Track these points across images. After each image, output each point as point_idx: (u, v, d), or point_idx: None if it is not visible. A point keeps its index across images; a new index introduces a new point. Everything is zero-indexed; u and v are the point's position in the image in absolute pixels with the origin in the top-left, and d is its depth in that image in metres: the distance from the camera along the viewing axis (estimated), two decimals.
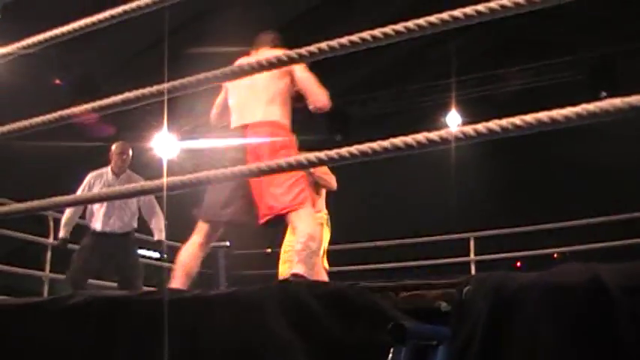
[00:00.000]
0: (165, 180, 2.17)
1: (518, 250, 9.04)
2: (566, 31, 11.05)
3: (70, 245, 6.87)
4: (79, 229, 6.95)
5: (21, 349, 2.60)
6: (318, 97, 4.47)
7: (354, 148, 1.94)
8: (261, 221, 4.30)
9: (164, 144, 9.89)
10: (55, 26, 2.41)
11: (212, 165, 4.22)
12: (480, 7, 1.73)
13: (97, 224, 6.69)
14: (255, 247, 8.75)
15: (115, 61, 9.61)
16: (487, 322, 1.88)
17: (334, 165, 4.95)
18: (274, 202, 4.20)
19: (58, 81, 9.27)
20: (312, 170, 5.50)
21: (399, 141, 1.89)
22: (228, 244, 9.02)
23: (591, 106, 1.64)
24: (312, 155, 1.91)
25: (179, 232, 8.92)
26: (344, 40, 1.91)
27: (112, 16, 2.32)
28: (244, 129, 4.37)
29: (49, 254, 7.39)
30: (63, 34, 2.43)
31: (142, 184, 2.26)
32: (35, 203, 2.44)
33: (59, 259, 7.22)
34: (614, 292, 1.77)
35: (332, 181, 6.13)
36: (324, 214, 6.09)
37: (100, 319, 2.44)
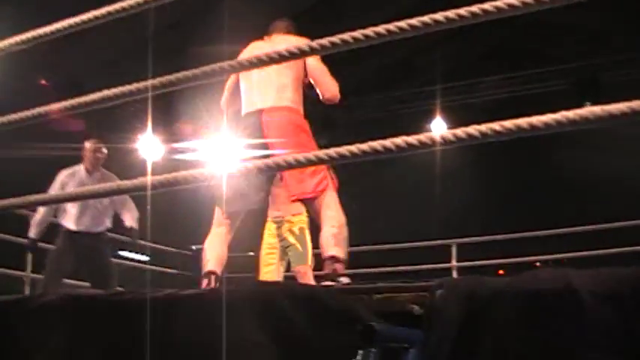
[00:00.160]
0: (149, 178, 2.16)
1: (501, 257, 9.06)
2: (552, 41, 11.11)
3: (45, 245, 6.78)
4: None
5: None
6: (329, 87, 4.45)
7: (332, 151, 1.94)
8: (292, 199, 4.34)
9: (148, 142, 9.85)
10: (40, 25, 2.40)
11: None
12: (486, 6, 1.74)
13: (69, 223, 6.58)
14: (237, 249, 8.73)
15: (101, 61, 9.57)
16: (459, 326, 1.88)
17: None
18: (302, 185, 4.17)
19: (43, 81, 9.23)
20: None
21: (377, 144, 1.89)
22: None
23: (571, 114, 1.64)
24: (300, 155, 1.91)
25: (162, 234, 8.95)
26: (357, 33, 1.91)
27: (96, 17, 2.32)
28: (259, 114, 4.29)
29: (30, 255, 7.33)
30: (47, 34, 2.42)
31: (120, 182, 2.24)
32: (10, 201, 2.42)
33: (41, 259, 7.15)
34: (586, 297, 1.78)
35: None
36: (304, 217, 6.05)
37: (73, 318, 2.43)
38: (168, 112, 9.38)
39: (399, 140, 1.86)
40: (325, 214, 4.15)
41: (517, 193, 12.36)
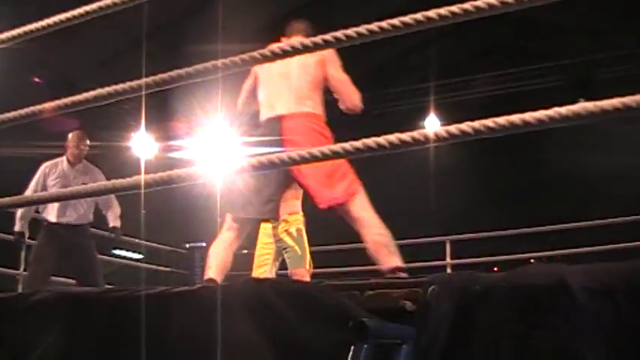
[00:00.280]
0: (142, 177, 2.16)
1: (495, 254, 9.07)
2: (547, 38, 11.13)
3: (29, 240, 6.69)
4: None
5: None
6: (351, 97, 4.37)
7: (326, 148, 1.94)
8: (324, 206, 4.18)
9: (142, 141, 9.82)
10: (32, 21, 2.40)
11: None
12: (479, 3, 1.74)
13: (51, 215, 6.46)
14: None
15: (94, 60, 9.56)
16: (452, 322, 1.88)
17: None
18: (332, 191, 4.09)
19: (37, 79, 9.21)
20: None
21: (371, 141, 1.90)
22: (204, 244, 8.99)
23: (563, 110, 1.65)
24: (293, 153, 1.92)
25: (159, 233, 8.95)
26: (351, 31, 1.91)
27: (87, 12, 2.32)
28: (280, 120, 4.22)
29: (23, 253, 7.30)
30: (39, 30, 2.42)
31: (115, 181, 2.24)
32: (6, 200, 2.42)
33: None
34: (578, 293, 1.78)
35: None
36: (300, 217, 6.01)
37: (65, 316, 2.42)
38: (163, 110, 9.37)
39: (393, 137, 1.86)
40: (363, 218, 4.07)
41: (511, 190, 12.38)
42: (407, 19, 1.87)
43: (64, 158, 6.62)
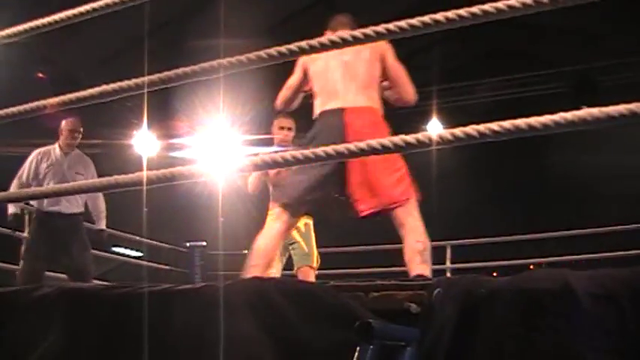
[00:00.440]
0: (145, 173, 2.16)
1: (495, 259, 9.06)
2: (550, 43, 11.13)
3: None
4: None
5: None
6: (408, 89, 4.27)
7: (331, 149, 1.94)
8: (365, 213, 3.99)
9: (144, 139, 9.81)
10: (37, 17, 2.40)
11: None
12: (487, 7, 1.74)
13: (43, 203, 6.25)
14: (231, 247, 8.72)
15: (98, 56, 9.56)
16: (456, 325, 1.88)
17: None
18: (383, 194, 3.95)
19: (41, 74, 9.20)
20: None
21: (376, 143, 1.90)
22: (204, 243, 8.99)
23: (569, 115, 1.65)
24: (298, 153, 1.92)
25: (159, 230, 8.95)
26: (358, 32, 1.91)
27: (94, 9, 2.32)
28: (341, 113, 4.05)
29: (23, 248, 7.27)
30: (44, 26, 2.42)
31: (118, 177, 2.24)
32: (6, 194, 2.42)
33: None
34: (583, 298, 1.78)
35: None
36: (308, 218, 5.93)
37: (67, 312, 2.42)
38: (166, 108, 9.37)
39: (398, 139, 1.86)
40: (409, 224, 3.95)
41: (512, 195, 12.38)
42: (414, 21, 1.87)
43: (56, 146, 6.45)
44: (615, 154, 10.12)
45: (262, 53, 2.03)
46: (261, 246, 4.04)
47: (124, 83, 2.25)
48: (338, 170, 3.96)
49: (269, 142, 6.11)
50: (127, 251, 10.30)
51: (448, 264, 8.94)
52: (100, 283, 7.25)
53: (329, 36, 2.00)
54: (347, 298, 2.10)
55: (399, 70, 4.24)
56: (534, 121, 1.69)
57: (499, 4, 1.75)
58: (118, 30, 8.28)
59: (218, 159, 7.82)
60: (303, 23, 9.41)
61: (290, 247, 5.85)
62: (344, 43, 1.97)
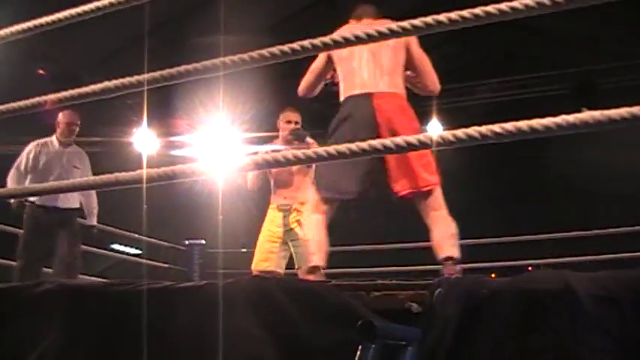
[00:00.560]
0: (145, 171, 2.16)
1: (495, 260, 9.05)
2: (552, 46, 11.13)
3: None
4: None
5: None
6: (434, 78, 4.26)
7: (332, 148, 1.94)
8: (402, 193, 3.96)
9: (144, 135, 9.78)
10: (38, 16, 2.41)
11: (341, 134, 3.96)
12: (490, 9, 1.75)
13: (36, 198, 6.09)
14: (230, 245, 8.72)
15: (99, 54, 9.56)
16: (457, 325, 1.88)
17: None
18: (417, 177, 3.93)
19: (42, 71, 9.19)
20: None
21: (377, 143, 1.90)
22: (203, 242, 8.98)
23: (571, 118, 1.66)
24: (299, 152, 1.92)
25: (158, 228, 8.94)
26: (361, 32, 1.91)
27: (98, 8, 2.32)
28: (370, 98, 4.01)
29: (19, 245, 7.22)
30: (47, 24, 2.43)
31: (119, 174, 2.24)
32: (8, 190, 2.42)
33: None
34: (584, 299, 1.79)
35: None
36: None
37: (68, 309, 2.42)
38: (166, 106, 9.36)
39: (399, 140, 1.87)
40: (438, 211, 3.97)
41: (512, 195, 12.38)
42: (417, 22, 1.87)
43: (53, 138, 6.36)
44: (617, 154, 10.12)
45: (265, 52, 2.03)
46: (313, 236, 4.05)
47: (126, 80, 2.25)
48: (376, 160, 3.93)
49: (270, 140, 6.07)
50: (126, 249, 10.29)
51: None
52: (100, 280, 7.26)
53: (334, 35, 2.01)
54: (348, 297, 2.11)
55: (423, 59, 4.23)
56: (536, 123, 1.70)
57: (502, 6, 1.75)
58: (118, 28, 8.26)
59: (218, 157, 7.81)
60: (305, 22, 9.42)
61: (291, 243, 5.76)
62: (346, 42, 1.97)
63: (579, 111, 1.78)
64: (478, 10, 1.77)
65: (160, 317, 2.23)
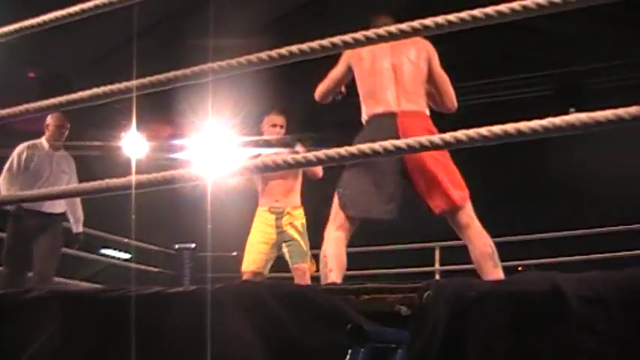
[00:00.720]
0: (134, 177, 2.17)
1: None
2: (537, 46, 11.17)
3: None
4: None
5: None
6: (452, 96, 4.26)
7: (333, 151, 1.95)
8: (439, 210, 3.94)
9: (134, 142, 9.75)
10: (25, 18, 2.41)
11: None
12: (476, 13, 1.76)
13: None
14: (221, 249, 8.71)
15: (88, 57, 9.53)
16: (446, 328, 1.89)
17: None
18: (451, 193, 3.91)
19: (32, 74, 9.14)
20: None
21: (366, 147, 1.91)
22: (193, 245, 8.97)
23: (558, 120, 1.67)
24: (299, 156, 1.93)
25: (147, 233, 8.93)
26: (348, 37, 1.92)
27: (83, 10, 2.32)
28: (393, 117, 3.97)
29: (3, 251, 7.13)
30: (33, 26, 2.43)
31: (109, 181, 2.25)
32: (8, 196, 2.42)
33: None
34: (572, 300, 1.80)
35: (319, 168, 5.65)
36: (302, 212, 5.85)
37: (59, 315, 2.41)
38: (156, 109, 9.34)
39: (387, 144, 1.88)
40: (474, 227, 3.93)
41: (501, 197, 12.41)
42: (404, 26, 1.88)
43: (42, 140, 6.27)
44: (607, 155, 10.16)
45: (253, 57, 2.04)
46: (333, 252, 4.00)
47: (115, 87, 2.26)
48: (403, 174, 3.94)
49: (259, 143, 6.07)
50: (116, 253, 10.26)
51: (437, 266, 8.96)
52: (90, 285, 7.24)
53: (321, 40, 2.01)
54: (338, 300, 2.12)
55: (443, 76, 4.24)
56: (523, 126, 1.71)
57: (501, 7, 1.76)
58: (108, 30, 8.26)
59: (209, 162, 7.80)
60: (296, 24, 9.42)
61: (285, 244, 5.76)
62: (333, 47, 1.98)
63: (566, 112, 1.79)
64: (464, 15, 1.79)
65: (151, 323, 2.23)
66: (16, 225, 6.10)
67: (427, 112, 4.12)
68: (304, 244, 5.78)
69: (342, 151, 1.93)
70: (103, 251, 9.98)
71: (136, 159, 9.06)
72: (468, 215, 3.95)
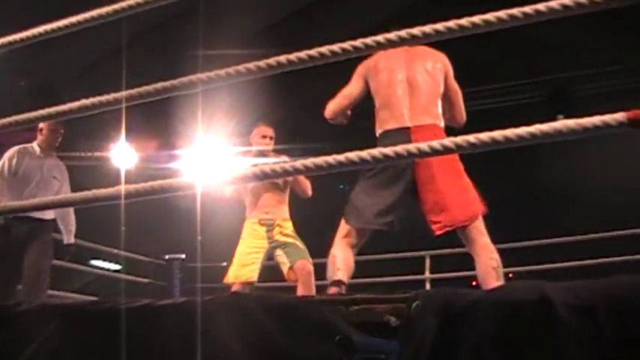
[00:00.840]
0: (123, 187, 2.16)
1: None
2: (525, 54, 11.21)
3: None
4: None
5: None
6: (462, 111, 4.26)
7: (332, 158, 1.95)
8: (439, 232, 3.96)
9: (122, 152, 9.73)
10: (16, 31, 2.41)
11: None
12: (473, 19, 1.77)
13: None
14: (211, 259, 8.70)
15: (76, 68, 9.51)
16: (435, 338, 1.89)
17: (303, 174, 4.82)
18: (457, 212, 3.92)
19: (23, 83, 9.10)
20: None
21: (354, 155, 1.91)
22: (183, 256, 8.95)
23: (545, 127, 1.68)
24: (298, 163, 1.93)
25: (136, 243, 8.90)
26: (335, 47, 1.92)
27: (72, 24, 2.32)
28: (408, 132, 3.97)
29: None
30: (22, 40, 2.42)
31: (96, 191, 2.24)
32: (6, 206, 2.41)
33: None
34: (560, 309, 1.80)
35: (309, 187, 5.83)
36: (291, 224, 5.86)
37: (49, 329, 2.40)
38: (145, 119, 9.33)
39: (375, 152, 1.89)
40: (480, 241, 3.93)
41: (491, 204, 12.43)
42: (392, 36, 1.89)
43: (34, 144, 6.17)
44: (597, 165, 10.20)
45: (241, 68, 2.04)
46: (341, 254, 4.02)
47: (103, 98, 2.26)
48: (410, 191, 3.95)
49: (248, 153, 6.08)
50: (106, 264, 10.23)
51: (427, 274, 8.96)
52: (80, 297, 7.21)
53: (308, 51, 2.01)
54: (328, 311, 2.11)
55: (457, 91, 4.24)
56: (511, 133, 1.72)
57: (475, 19, 1.77)
58: (97, 41, 8.24)
59: (198, 172, 7.80)
60: (286, 34, 9.43)
61: (279, 249, 5.73)
62: (321, 57, 1.98)
63: (554, 119, 1.79)
64: (451, 23, 1.79)
65: (140, 335, 2.22)
66: (3, 231, 5.94)
67: (442, 125, 4.11)
68: (301, 244, 5.76)
69: (330, 159, 1.92)
70: (93, 262, 9.95)
71: (125, 169, 9.04)
72: (477, 230, 3.94)
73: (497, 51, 11.29)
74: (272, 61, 1.98)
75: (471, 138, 1.76)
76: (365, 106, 4.47)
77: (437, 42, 1.91)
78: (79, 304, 2.77)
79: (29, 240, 5.98)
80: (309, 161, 1.93)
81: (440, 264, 9.02)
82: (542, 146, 1.80)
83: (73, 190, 6.21)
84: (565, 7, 1.67)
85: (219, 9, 8.49)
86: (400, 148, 1.87)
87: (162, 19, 8.83)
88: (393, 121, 4.06)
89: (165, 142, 9.87)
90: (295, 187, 5.81)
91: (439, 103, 4.14)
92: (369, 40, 1.88)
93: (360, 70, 4.23)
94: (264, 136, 5.91)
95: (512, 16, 1.74)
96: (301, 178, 5.66)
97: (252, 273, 5.72)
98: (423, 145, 1.84)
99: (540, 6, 1.70)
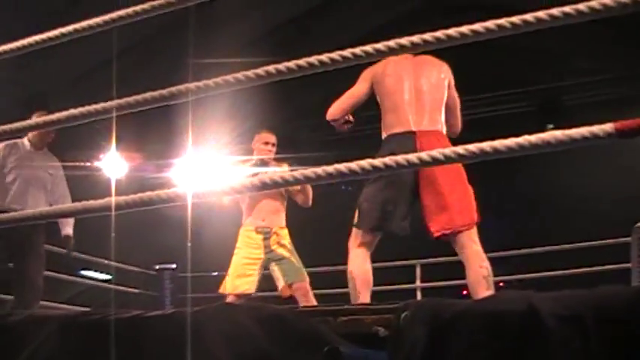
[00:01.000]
0: (113, 199, 2.16)
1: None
2: (515, 64, 11.25)
3: None
4: None
5: None
6: (459, 121, 4.34)
7: (310, 171, 1.95)
8: (437, 234, 4.01)
9: (113, 162, 9.70)
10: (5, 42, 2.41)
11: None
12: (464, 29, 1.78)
13: (4, 203, 5.75)
14: (203, 269, 8.68)
15: (66, 78, 9.50)
16: (424, 348, 1.89)
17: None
18: (457, 216, 3.97)
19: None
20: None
21: (343, 167, 1.91)
22: (174, 266, 8.92)
23: (533, 138, 1.69)
24: (297, 173, 1.93)
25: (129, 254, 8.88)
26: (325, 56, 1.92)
27: (63, 34, 2.33)
28: (413, 137, 4.05)
29: None
30: (13, 50, 2.43)
31: (86, 203, 2.24)
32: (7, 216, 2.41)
33: None
34: (548, 320, 1.81)
35: (310, 197, 5.76)
36: (287, 232, 5.81)
37: (38, 340, 2.39)
38: (136, 129, 9.32)
39: (364, 163, 1.89)
40: (471, 248, 3.98)
41: (482, 214, 12.46)
42: (380, 46, 1.90)
43: (24, 140, 6.03)
44: (586, 173, 10.22)
45: (230, 78, 2.05)
46: (358, 272, 4.09)
47: (92, 107, 2.26)
48: (413, 193, 4.02)
49: (244, 162, 6.06)
50: (96, 274, 10.20)
51: (418, 283, 8.95)
52: (70, 307, 7.18)
53: (297, 61, 2.02)
54: (317, 322, 2.11)
55: (457, 101, 4.33)
56: (499, 144, 1.73)
57: (463, 29, 1.78)
58: (89, 50, 8.24)
59: (190, 182, 7.79)
60: (280, 42, 9.45)
61: (275, 264, 5.68)
62: (310, 67, 1.99)
63: (544, 129, 1.80)
64: (439, 34, 1.80)
65: (130, 346, 2.22)
66: None
67: (444, 131, 4.20)
68: (296, 261, 5.71)
69: (354, 165, 1.92)
70: (84, 273, 9.91)
71: (116, 179, 9.02)
72: (469, 238, 3.99)
73: (487, 61, 11.35)
74: (261, 70, 1.99)
75: (460, 149, 1.77)
76: (362, 114, 4.51)
77: (426, 52, 1.92)
78: (69, 314, 2.75)
79: (22, 238, 5.80)
80: (310, 171, 1.93)
81: (431, 273, 9.02)
82: (530, 155, 1.81)
83: None
84: (553, 17, 1.68)
85: (215, 17, 8.51)
86: (389, 160, 1.87)
87: (154, 30, 8.85)
88: (399, 125, 4.14)
89: (157, 152, 9.85)
90: (297, 195, 5.76)
91: (443, 110, 4.23)
92: (357, 50, 1.90)
93: (367, 73, 4.32)
94: (267, 143, 5.86)
95: (500, 27, 1.75)
96: (307, 187, 5.63)
97: (249, 285, 5.67)
98: (412, 157, 1.84)
99: (528, 16, 1.72)
